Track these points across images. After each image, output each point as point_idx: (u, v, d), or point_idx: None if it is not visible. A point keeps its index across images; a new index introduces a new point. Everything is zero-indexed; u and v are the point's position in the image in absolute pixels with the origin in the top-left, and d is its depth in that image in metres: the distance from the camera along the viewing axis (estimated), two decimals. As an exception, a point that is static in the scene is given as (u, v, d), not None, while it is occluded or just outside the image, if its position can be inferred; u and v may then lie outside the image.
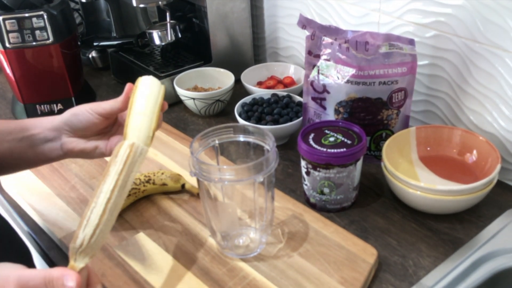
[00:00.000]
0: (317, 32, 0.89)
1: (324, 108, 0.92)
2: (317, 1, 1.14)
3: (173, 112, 1.19)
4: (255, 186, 0.69)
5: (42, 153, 0.74)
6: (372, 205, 0.86)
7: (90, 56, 1.39)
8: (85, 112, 0.72)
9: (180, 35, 1.23)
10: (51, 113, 1.17)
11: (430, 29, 0.93)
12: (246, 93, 1.15)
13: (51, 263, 0.80)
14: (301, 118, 0.98)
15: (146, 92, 0.70)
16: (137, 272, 0.72)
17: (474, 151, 0.87)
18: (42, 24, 1.07)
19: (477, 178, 0.82)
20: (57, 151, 0.74)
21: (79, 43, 1.22)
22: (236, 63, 1.27)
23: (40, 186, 0.91)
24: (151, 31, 1.21)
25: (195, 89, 1.18)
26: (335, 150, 0.78)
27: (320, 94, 0.91)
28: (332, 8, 1.11)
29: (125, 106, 0.72)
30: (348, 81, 0.87)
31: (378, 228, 0.81)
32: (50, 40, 1.10)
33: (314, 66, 0.91)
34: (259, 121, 1.00)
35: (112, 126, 0.77)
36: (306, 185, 0.85)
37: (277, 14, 1.27)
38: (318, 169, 0.80)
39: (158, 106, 0.70)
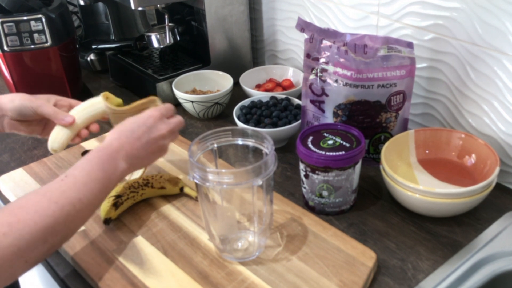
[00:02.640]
0: (315, 35, 0.89)
1: (323, 111, 0.92)
2: (316, 4, 1.14)
3: (172, 115, 1.19)
4: (253, 190, 0.69)
5: None
6: (371, 208, 0.86)
7: (88, 59, 1.39)
8: (30, 111, 0.86)
9: (178, 38, 1.23)
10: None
11: (429, 32, 0.93)
12: (245, 96, 1.15)
13: (50, 268, 0.80)
14: (299, 121, 0.98)
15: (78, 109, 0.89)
16: (136, 275, 0.72)
17: (473, 154, 0.87)
18: (40, 27, 1.07)
19: (476, 181, 0.82)
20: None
21: (77, 46, 1.22)
22: (234, 66, 1.27)
23: (38, 189, 0.91)
24: (149, 34, 1.21)
25: (194, 92, 1.18)
26: (334, 153, 0.78)
27: (319, 97, 0.91)
28: (331, 11, 1.11)
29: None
30: (346, 84, 0.87)
31: (377, 231, 0.81)
32: (49, 43, 1.09)
33: (312, 69, 0.91)
34: (257, 124, 1.00)
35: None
36: (304, 188, 0.84)
37: (276, 17, 1.27)
38: (317, 172, 0.80)
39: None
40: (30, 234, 0.61)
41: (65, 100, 0.91)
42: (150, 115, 0.78)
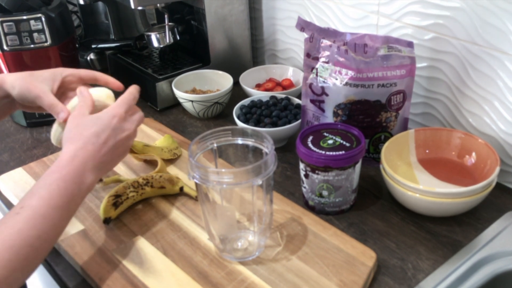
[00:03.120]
0: (315, 35, 0.89)
1: (323, 110, 0.92)
2: (316, 4, 1.13)
3: (172, 114, 1.18)
4: (253, 189, 0.69)
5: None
6: (371, 208, 0.86)
7: (88, 58, 1.39)
8: (30, 101, 0.78)
9: (178, 38, 1.23)
10: (49, 115, 1.16)
11: (429, 31, 0.93)
12: (245, 95, 1.15)
13: (50, 268, 0.80)
14: (299, 121, 0.98)
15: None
16: (135, 275, 0.72)
17: (473, 154, 0.87)
18: (40, 26, 1.07)
19: (476, 180, 0.82)
20: (12, 109, 0.82)
21: (77, 45, 1.22)
22: (234, 65, 1.27)
23: (38, 189, 0.91)
24: (149, 33, 1.21)
25: (194, 91, 1.18)
26: (334, 153, 0.78)
27: (319, 96, 0.91)
28: (331, 11, 1.10)
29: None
30: (346, 84, 0.87)
31: (377, 231, 0.81)
32: (48, 43, 1.09)
33: (312, 68, 0.91)
34: (257, 123, 1.00)
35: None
36: (304, 188, 0.84)
37: (276, 16, 1.27)
38: (316, 172, 0.80)
39: None
40: None
41: (74, 75, 0.82)
42: (114, 115, 0.70)
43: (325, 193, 0.81)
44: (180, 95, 1.12)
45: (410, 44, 0.86)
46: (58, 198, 0.60)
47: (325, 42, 0.88)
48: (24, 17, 1.06)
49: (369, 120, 0.90)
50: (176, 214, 0.83)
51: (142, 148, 0.93)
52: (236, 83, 1.17)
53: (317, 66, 0.90)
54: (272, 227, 0.78)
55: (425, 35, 0.94)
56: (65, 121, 0.77)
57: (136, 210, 0.85)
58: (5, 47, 1.07)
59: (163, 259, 0.74)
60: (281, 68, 1.23)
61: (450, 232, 0.80)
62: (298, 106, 1.04)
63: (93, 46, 1.35)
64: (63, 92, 0.82)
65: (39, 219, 0.58)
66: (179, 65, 1.26)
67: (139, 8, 1.13)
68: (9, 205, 0.91)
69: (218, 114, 1.16)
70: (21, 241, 0.56)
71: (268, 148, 0.71)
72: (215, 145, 0.74)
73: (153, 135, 1.05)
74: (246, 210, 0.76)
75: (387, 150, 0.85)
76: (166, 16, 1.19)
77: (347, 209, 0.85)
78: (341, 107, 0.89)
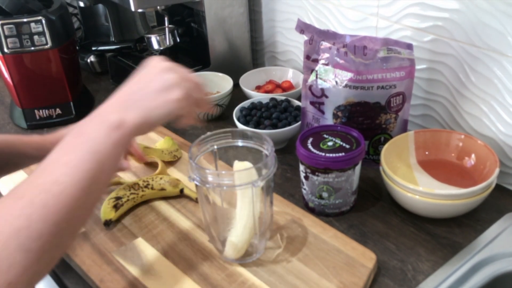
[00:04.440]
0: (315, 37, 0.89)
1: (323, 112, 0.92)
2: (315, 6, 1.14)
3: (172, 116, 1.18)
4: (253, 191, 0.69)
5: None
6: (370, 210, 0.86)
7: (88, 60, 1.39)
8: None
9: (178, 40, 1.23)
10: (49, 117, 1.17)
11: (428, 33, 0.93)
12: (245, 97, 1.15)
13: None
14: (299, 123, 0.98)
15: None
16: (136, 277, 0.72)
17: (473, 155, 0.87)
18: (40, 29, 1.07)
19: (476, 182, 0.82)
20: None
21: (77, 47, 1.22)
22: (234, 68, 1.27)
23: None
24: (149, 35, 1.21)
25: (194, 93, 1.18)
26: (334, 155, 0.78)
27: (319, 98, 0.91)
28: (330, 13, 1.11)
29: None
30: (346, 86, 0.87)
31: (377, 232, 0.81)
32: (49, 45, 1.10)
33: (312, 70, 0.91)
34: (257, 125, 1.00)
35: None
36: (304, 189, 0.84)
37: (275, 18, 1.27)
38: (316, 173, 0.80)
39: None
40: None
41: None
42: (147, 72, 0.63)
43: (325, 194, 0.82)
44: (180, 97, 1.12)
45: (409, 46, 0.86)
46: (72, 139, 0.54)
47: (325, 44, 0.89)
48: (25, 20, 1.06)
49: (369, 122, 0.90)
50: (177, 216, 0.84)
51: (143, 150, 0.94)
52: (236, 85, 1.17)
53: (317, 68, 0.90)
54: (272, 229, 0.79)
55: (424, 37, 0.94)
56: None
57: (136, 212, 0.85)
58: (5, 50, 1.08)
59: (163, 261, 0.74)
60: (281, 70, 1.24)
61: (450, 233, 0.80)
62: (298, 108, 1.04)
63: (93, 48, 1.35)
64: None
65: (52, 165, 0.52)
66: (179, 67, 1.26)
67: (139, 10, 1.13)
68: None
69: (218, 116, 1.17)
70: (33, 189, 0.49)
71: (268, 150, 0.71)
72: (215, 147, 0.74)
73: (154, 137, 1.05)
74: (246, 212, 0.76)
75: (386, 151, 0.86)
76: (166, 18, 1.20)
77: (347, 210, 0.85)
78: (341, 109, 0.89)
